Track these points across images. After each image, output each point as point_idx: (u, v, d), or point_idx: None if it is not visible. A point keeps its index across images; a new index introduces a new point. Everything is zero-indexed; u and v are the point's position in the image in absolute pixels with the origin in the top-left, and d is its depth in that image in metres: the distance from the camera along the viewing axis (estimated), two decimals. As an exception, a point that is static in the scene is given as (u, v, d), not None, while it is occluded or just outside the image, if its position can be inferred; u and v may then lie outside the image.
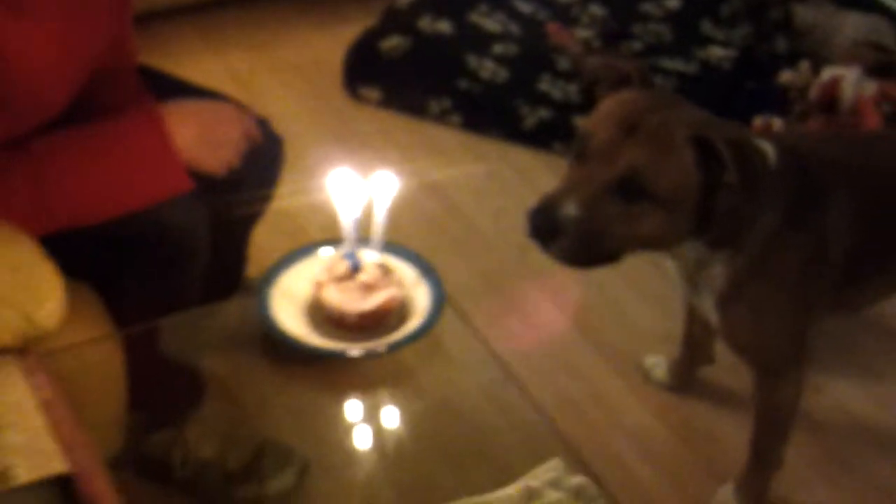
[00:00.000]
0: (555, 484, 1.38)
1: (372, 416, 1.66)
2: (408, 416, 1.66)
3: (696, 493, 2.11)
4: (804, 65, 3.11)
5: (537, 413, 1.62)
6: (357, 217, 1.49)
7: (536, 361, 2.35)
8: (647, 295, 2.55)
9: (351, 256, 1.50)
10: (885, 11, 3.26)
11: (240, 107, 1.80)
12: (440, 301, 1.52)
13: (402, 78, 3.12)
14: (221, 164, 1.71)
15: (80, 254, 1.59)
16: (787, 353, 1.84)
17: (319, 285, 1.51)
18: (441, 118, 3.07)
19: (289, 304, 1.53)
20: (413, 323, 1.50)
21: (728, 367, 2.33)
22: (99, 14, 1.64)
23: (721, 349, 2.24)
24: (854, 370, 2.37)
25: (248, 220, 2.04)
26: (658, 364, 2.33)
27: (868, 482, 2.15)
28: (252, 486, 1.88)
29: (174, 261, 1.71)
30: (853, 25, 3.18)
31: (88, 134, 1.60)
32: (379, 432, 1.66)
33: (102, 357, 1.61)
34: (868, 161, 1.79)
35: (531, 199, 2.77)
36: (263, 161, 1.89)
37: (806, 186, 1.69)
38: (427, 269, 1.57)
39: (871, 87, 3.01)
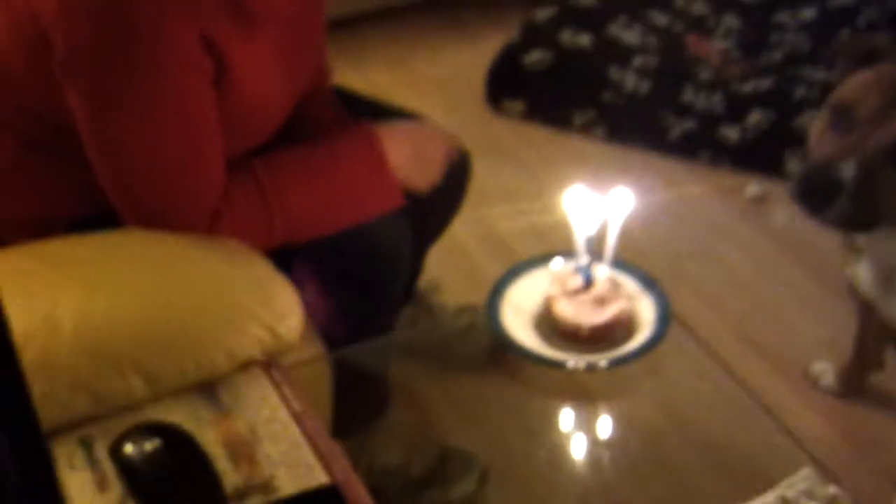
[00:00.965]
0: (809, 494, 1.40)
1: (589, 427, 1.70)
2: (627, 428, 1.69)
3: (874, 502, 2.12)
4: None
5: (776, 422, 1.64)
6: (592, 233, 1.53)
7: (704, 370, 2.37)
8: (806, 303, 2.55)
9: (584, 271, 1.54)
10: None
11: (440, 127, 1.85)
12: (666, 315, 1.55)
13: (545, 91, 3.17)
14: (428, 183, 1.76)
15: (292, 272, 1.64)
16: None
17: (552, 299, 1.55)
18: (585, 130, 3.10)
19: (516, 315, 1.58)
20: (640, 336, 1.54)
21: (896, 373, 2.34)
22: (315, 35, 1.70)
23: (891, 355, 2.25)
24: None
25: (433, 234, 2.09)
26: (826, 370, 2.33)
27: None
28: (436, 492, 1.93)
29: (381, 276, 1.76)
30: None
31: (309, 153, 1.66)
32: (596, 444, 1.70)
33: (314, 377, 1.66)
34: None
35: (677, 208, 2.84)
36: (455, 176, 1.94)
37: None
38: (651, 284, 1.61)
39: None
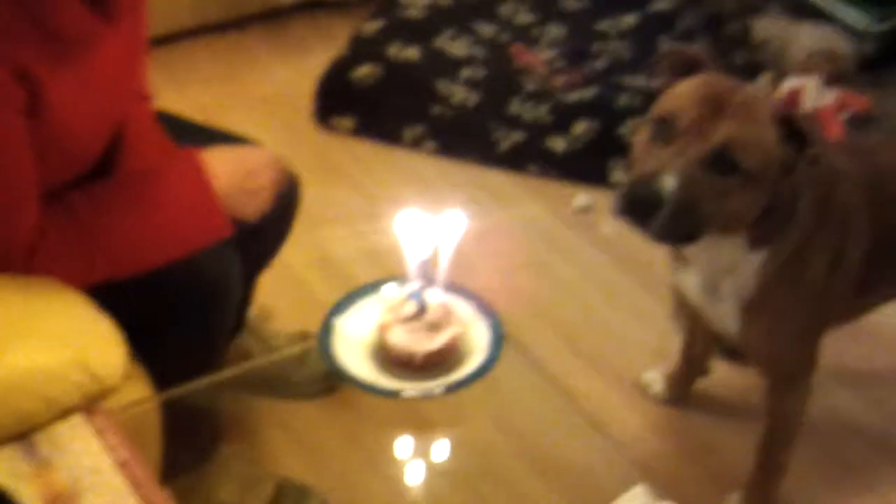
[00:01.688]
0: (643, 511, 1.42)
1: (427, 453, 1.69)
2: (466, 451, 1.69)
3: (703, 504, 2.17)
4: (766, 76, 3.21)
5: (607, 440, 1.66)
6: (425, 257, 1.53)
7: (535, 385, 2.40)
8: (634, 312, 2.60)
9: (417, 296, 1.53)
10: (837, 22, 3.37)
11: (268, 151, 1.82)
12: (499, 338, 1.56)
13: (375, 106, 3.15)
14: (257, 211, 1.72)
15: (113, 309, 1.58)
16: (803, 362, 1.91)
17: (385, 327, 1.54)
18: (416, 145, 3.10)
19: (350, 344, 1.55)
20: (474, 360, 1.54)
21: (722, 377, 2.40)
22: (132, 58, 1.65)
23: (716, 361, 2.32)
24: (843, 373, 2.46)
25: (263, 262, 2.05)
26: (656, 379, 2.39)
27: (867, 483, 2.22)
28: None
29: (209, 309, 1.72)
30: (808, 37, 3.28)
31: (130, 183, 1.61)
32: (434, 470, 1.69)
33: (141, 419, 1.61)
34: (875, 168, 1.87)
35: (508, 223, 2.86)
36: (284, 202, 1.91)
37: (833, 193, 1.77)
38: (484, 307, 1.61)
39: (830, 97, 3.12)
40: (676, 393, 2.36)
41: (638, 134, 1.68)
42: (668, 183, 1.54)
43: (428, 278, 1.54)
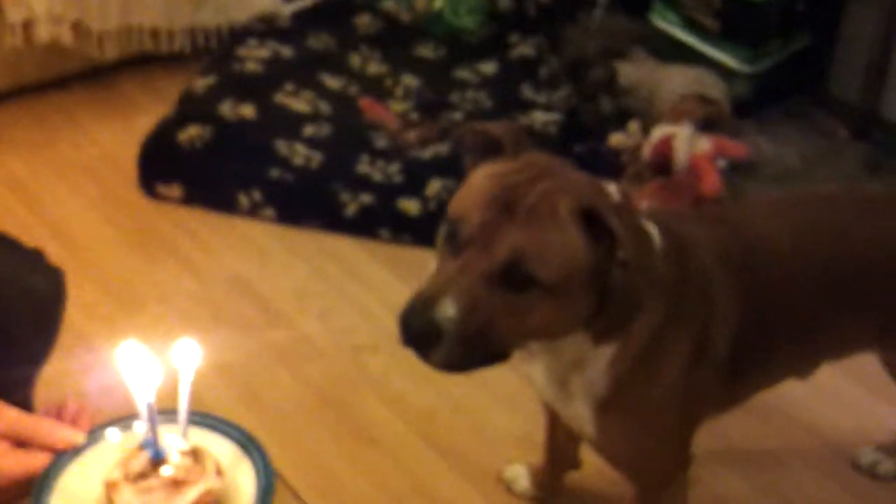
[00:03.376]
0: None
1: None
2: None
3: None
4: (633, 125, 2.96)
5: None
6: (152, 400, 1.16)
7: (383, 485, 2.09)
8: (498, 396, 2.31)
9: (150, 445, 1.16)
10: (707, 63, 3.14)
11: None
12: (269, 483, 1.20)
13: (206, 171, 2.81)
14: None
15: None
16: (673, 462, 1.63)
17: (112, 486, 1.16)
18: (253, 212, 2.78)
19: None
20: None
21: (597, 470, 2.12)
22: None
23: (588, 451, 2.03)
24: (729, 455, 2.19)
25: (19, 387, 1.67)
26: (520, 474, 2.09)
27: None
28: None
29: None
30: (677, 79, 3.05)
31: None
32: None
33: None
34: (744, 241, 1.59)
35: (359, 295, 2.56)
36: (38, 309, 1.56)
37: (688, 273, 1.49)
38: (249, 444, 1.25)
39: (704, 144, 2.88)
40: (544, 489, 2.07)
41: (439, 235, 1.39)
42: (446, 311, 1.26)
43: (167, 417, 1.18)
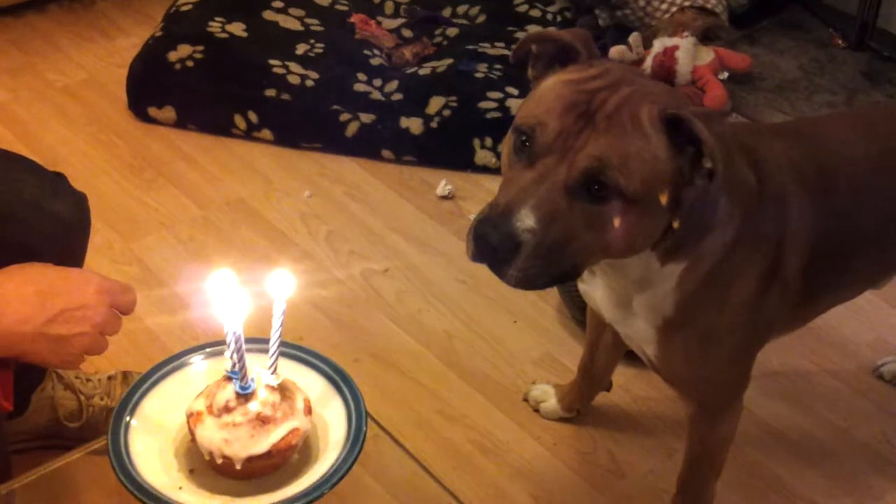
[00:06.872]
0: None
1: None
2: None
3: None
4: (635, 37, 2.90)
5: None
6: (240, 330, 1.09)
7: (408, 409, 2.05)
8: (514, 315, 2.27)
9: (237, 377, 1.10)
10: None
11: (92, 274, 1.31)
12: (359, 427, 1.13)
13: (199, 92, 2.72)
14: (65, 362, 1.26)
15: None
16: (734, 384, 1.59)
17: (194, 418, 1.10)
18: (249, 135, 2.70)
19: (150, 437, 1.12)
20: (323, 462, 1.11)
21: (623, 388, 2.10)
22: None
23: (617, 373, 2.01)
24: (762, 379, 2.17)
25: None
26: (546, 393, 2.06)
27: (798, 497, 1.95)
28: None
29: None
30: (675, -10, 2.99)
31: None
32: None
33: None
34: (823, 160, 1.54)
35: (365, 218, 2.50)
36: (62, 235, 1.49)
37: (765, 190, 1.43)
38: (341, 379, 1.18)
39: (707, 55, 2.83)
40: (572, 409, 2.04)
41: (505, 145, 1.32)
42: (524, 220, 1.21)
43: (255, 349, 1.11)
